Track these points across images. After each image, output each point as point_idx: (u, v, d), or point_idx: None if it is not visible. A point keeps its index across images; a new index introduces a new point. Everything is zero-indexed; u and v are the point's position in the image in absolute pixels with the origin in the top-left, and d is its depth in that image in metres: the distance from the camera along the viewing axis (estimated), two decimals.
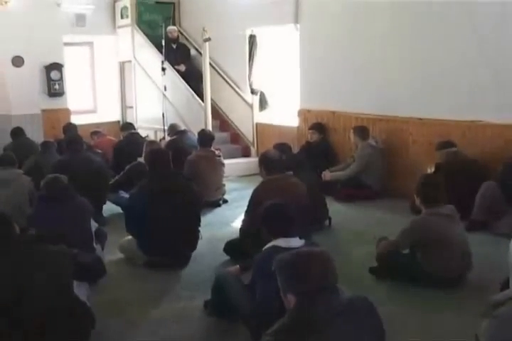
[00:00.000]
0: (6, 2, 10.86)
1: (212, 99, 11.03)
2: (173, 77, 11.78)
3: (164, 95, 11.34)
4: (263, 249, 4.24)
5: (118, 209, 7.97)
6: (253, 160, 10.17)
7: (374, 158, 8.74)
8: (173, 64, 12.05)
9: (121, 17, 13.14)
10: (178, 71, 12.07)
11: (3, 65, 11.41)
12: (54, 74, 12.25)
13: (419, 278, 5.27)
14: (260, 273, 4.11)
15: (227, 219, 7.98)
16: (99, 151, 9.58)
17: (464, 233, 5.55)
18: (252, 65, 11.35)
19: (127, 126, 10.74)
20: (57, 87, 12.32)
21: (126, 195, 7.24)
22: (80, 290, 4.46)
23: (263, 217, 4.44)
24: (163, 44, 11.31)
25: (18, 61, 11.49)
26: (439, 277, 5.19)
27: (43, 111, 12.01)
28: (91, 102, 14.15)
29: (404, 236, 5.43)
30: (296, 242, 4.12)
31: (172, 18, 13.44)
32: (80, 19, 12.58)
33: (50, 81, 12.24)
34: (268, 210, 4.47)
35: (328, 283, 2.85)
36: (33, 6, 11.43)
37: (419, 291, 5.21)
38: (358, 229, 7.34)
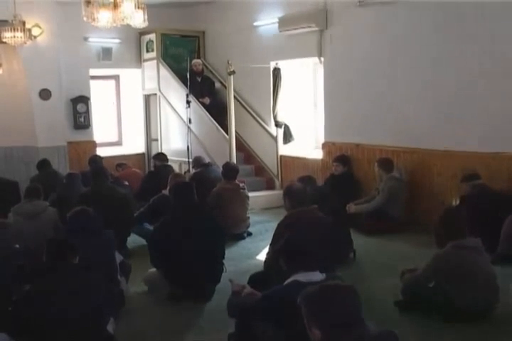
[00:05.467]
0: (34, 37, 11.07)
1: (236, 132, 11.08)
2: (197, 110, 11.86)
3: (189, 128, 11.39)
4: (284, 283, 4.19)
5: (142, 241, 7.98)
6: (277, 193, 10.17)
7: (398, 191, 8.70)
8: (198, 97, 12.14)
9: (147, 51, 13.29)
10: (202, 104, 12.15)
11: (31, 98, 11.59)
12: (80, 107, 12.39)
13: (444, 311, 5.21)
14: (271, 302, 4.08)
15: (252, 252, 7.97)
16: (126, 183, 9.63)
17: (491, 266, 5.49)
18: (276, 97, 11.37)
19: (161, 157, 10.80)
20: (83, 119, 12.45)
21: (151, 227, 7.26)
22: None
23: (281, 251, 4.37)
24: (188, 77, 11.38)
25: (45, 94, 11.65)
26: (465, 311, 5.13)
27: (69, 143, 12.14)
28: (116, 135, 14.25)
29: (428, 270, 5.39)
30: (316, 276, 4.05)
31: (197, 52, 13.58)
32: (107, 53, 12.74)
33: (76, 113, 12.37)
34: (286, 244, 4.38)
35: (354, 317, 2.82)
36: (61, 40, 11.67)
37: (445, 325, 5.15)
38: (382, 261, 7.30)
